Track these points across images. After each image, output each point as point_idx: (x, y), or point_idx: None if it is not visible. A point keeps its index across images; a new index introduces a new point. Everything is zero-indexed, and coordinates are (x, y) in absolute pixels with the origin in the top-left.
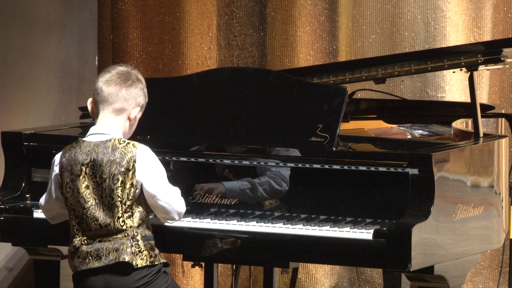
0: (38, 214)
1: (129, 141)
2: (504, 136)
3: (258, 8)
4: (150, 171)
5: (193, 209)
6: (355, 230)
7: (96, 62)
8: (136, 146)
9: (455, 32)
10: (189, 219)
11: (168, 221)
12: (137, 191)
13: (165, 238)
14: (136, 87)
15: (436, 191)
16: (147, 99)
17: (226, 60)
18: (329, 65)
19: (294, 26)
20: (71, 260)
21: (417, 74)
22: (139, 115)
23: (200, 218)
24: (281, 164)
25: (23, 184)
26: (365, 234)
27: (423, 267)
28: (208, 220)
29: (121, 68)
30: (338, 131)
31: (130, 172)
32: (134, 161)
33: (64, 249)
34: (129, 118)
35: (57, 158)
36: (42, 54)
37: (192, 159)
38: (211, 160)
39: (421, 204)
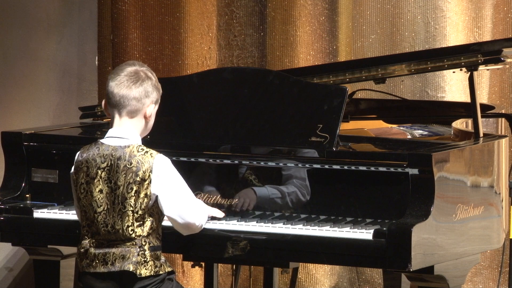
0: (38, 214)
1: (148, 149)
2: (504, 136)
3: (258, 8)
4: (165, 184)
5: None
6: (355, 230)
7: (96, 62)
8: (154, 156)
9: (455, 32)
10: None
11: (183, 233)
12: (151, 202)
13: (165, 238)
14: (147, 85)
15: (436, 191)
16: (161, 91)
17: (226, 60)
18: (329, 65)
19: (294, 26)
20: (79, 260)
21: (417, 74)
22: (155, 110)
23: None
24: (281, 164)
25: (23, 184)
26: (365, 234)
27: (423, 267)
28: (208, 220)
29: (129, 69)
30: (338, 131)
31: (146, 183)
32: (151, 172)
33: (64, 249)
34: (145, 116)
35: (76, 156)
36: (42, 54)
37: (192, 159)
38: (211, 160)
39: (421, 204)
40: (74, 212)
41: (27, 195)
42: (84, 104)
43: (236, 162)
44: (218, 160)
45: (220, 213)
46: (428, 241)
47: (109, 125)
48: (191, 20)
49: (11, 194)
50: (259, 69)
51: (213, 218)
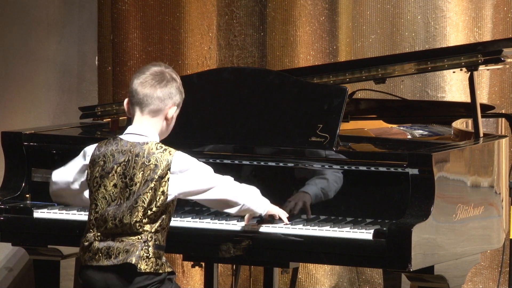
0: (38, 214)
1: (166, 147)
2: (504, 136)
3: (258, 8)
4: (187, 179)
5: (193, 209)
6: (355, 230)
7: (96, 62)
8: (172, 154)
9: (455, 32)
10: (189, 219)
11: (234, 208)
12: (168, 198)
13: (166, 238)
14: (172, 87)
15: (436, 191)
16: (183, 96)
17: (226, 60)
18: (329, 65)
19: (294, 26)
20: (82, 254)
21: (417, 74)
22: (176, 114)
23: (200, 218)
24: (280, 164)
25: (23, 184)
26: (365, 234)
27: (423, 267)
28: (208, 220)
29: (155, 68)
30: (338, 131)
31: (163, 180)
32: (169, 170)
33: (64, 249)
34: (166, 118)
35: (90, 149)
36: (42, 54)
37: None
38: (211, 160)
39: (421, 204)
40: (74, 212)
41: (27, 195)
42: (84, 104)
43: (236, 162)
44: (218, 160)
45: (285, 218)
46: (428, 241)
47: (114, 124)
48: (191, 20)
49: (11, 194)
50: (259, 69)
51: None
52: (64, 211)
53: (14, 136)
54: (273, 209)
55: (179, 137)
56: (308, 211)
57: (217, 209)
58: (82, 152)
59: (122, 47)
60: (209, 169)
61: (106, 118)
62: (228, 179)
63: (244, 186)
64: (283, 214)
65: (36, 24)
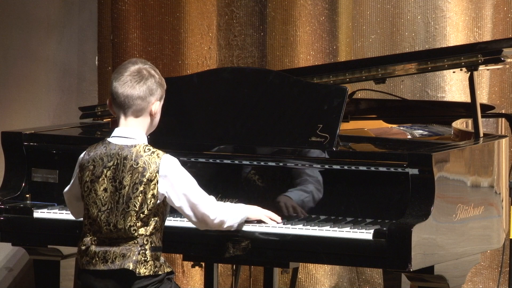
0: (38, 214)
1: (154, 149)
2: (504, 136)
3: (258, 8)
4: (173, 182)
5: None
6: (355, 230)
7: (96, 62)
8: (161, 156)
9: (455, 32)
10: None
11: (199, 227)
12: (158, 201)
13: (165, 238)
14: (151, 83)
15: (436, 191)
16: (165, 86)
17: (226, 60)
18: (329, 65)
19: (294, 26)
20: (79, 257)
21: (417, 74)
22: (160, 106)
23: None
24: (280, 164)
25: (23, 184)
26: (365, 234)
27: (423, 267)
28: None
29: (132, 68)
30: (338, 131)
31: (152, 183)
32: (157, 172)
33: (64, 249)
34: (150, 114)
35: (81, 156)
36: (42, 54)
37: (192, 159)
38: (211, 160)
39: (421, 204)
40: None
41: (27, 195)
42: (84, 104)
43: (236, 162)
44: (218, 160)
45: (268, 220)
46: (428, 241)
47: (114, 124)
48: (191, 20)
49: (11, 194)
50: (259, 69)
51: (259, 222)
52: (64, 211)
53: (14, 136)
54: (253, 215)
55: (179, 137)
56: (298, 212)
57: (195, 225)
58: (77, 162)
59: (122, 47)
60: (194, 181)
61: (106, 118)
62: (211, 198)
63: (221, 204)
64: (265, 217)
65: (36, 24)
